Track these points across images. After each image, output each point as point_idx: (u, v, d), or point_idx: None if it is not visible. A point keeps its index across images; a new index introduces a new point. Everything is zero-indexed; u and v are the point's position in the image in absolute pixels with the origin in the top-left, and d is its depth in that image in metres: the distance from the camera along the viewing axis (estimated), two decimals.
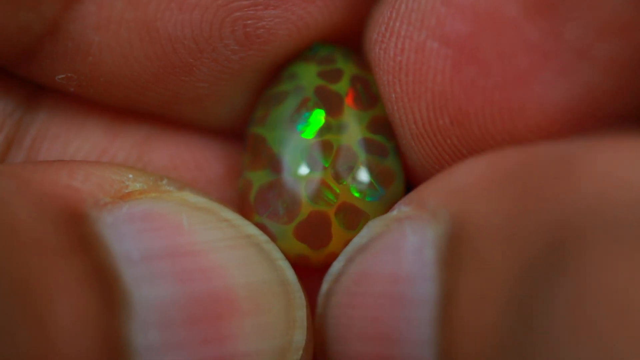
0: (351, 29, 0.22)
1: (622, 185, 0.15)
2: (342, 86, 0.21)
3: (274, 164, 0.21)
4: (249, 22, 0.20)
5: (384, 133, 0.21)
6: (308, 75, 0.22)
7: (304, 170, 0.21)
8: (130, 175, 0.19)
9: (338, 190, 0.21)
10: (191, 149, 0.23)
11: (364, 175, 0.21)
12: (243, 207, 0.21)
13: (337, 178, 0.21)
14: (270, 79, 0.22)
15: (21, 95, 0.22)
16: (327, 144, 0.21)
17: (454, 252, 0.17)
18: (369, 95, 0.22)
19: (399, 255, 0.18)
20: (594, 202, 0.15)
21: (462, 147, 0.20)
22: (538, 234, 0.16)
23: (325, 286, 0.20)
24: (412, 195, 0.19)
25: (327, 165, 0.21)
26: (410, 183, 0.22)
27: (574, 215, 0.15)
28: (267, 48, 0.21)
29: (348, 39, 0.22)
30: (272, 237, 0.20)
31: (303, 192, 0.21)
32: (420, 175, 0.21)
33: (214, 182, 0.22)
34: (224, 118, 0.23)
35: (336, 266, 0.20)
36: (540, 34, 0.18)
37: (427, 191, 0.19)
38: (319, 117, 0.21)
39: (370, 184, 0.21)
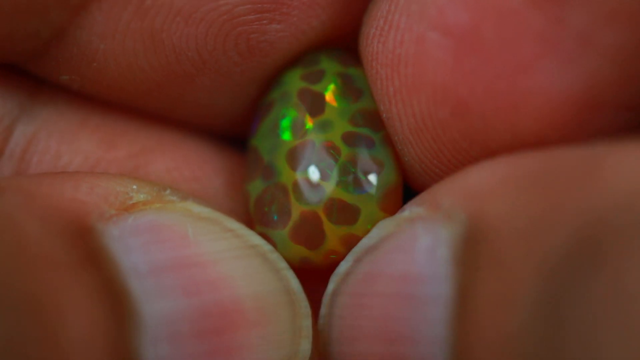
0: (345, 31, 0.22)
1: None
2: (324, 85, 0.22)
3: (265, 172, 0.21)
4: (253, 35, 0.20)
5: (369, 125, 0.21)
6: (293, 80, 0.22)
7: (289, 172, 0.21)
8: (134, 186, 0.19)
9: (325, 188, 0.21)
10: (189, 162, 0.23)
11: (348, 170, 0.21)
12: (247, 219, 0.21)
13: (323, 175, 0.21)
14: (267, 88, 0.22)
15: (12, 104, 0.22)
16: (309, 144, 0.21)
17: (470, 253, 0.17)
18: (351, 89, 0.22)
19: (410, 255, 0.18)
20: (627, 198, 0.15)
21: (462, 140, 0.19)
22: (566, 233, 0.16)
23: (331, 286, 0.20)
24: (425, 195, 0.19)
25: (311, 165, 0.21)
26: (406, 181, 0.22)
27: (607, 211, 0.15)
28: (267, 60, 0.21)
29: (341, 41, 0.22)
30: (274, 246, 0.20)
31: (291, 195, 0.21)
32: (417, 172, 0.21)
33: (213, 195, 0.23)
34: (223, 127, 0.23)
35: (343, 266, 0.19)
36: (544, 21, 0.18)
37: (442, 192, 0.19)
38: (295, 118, 0.21)
39: (356, 177, 0.21)
